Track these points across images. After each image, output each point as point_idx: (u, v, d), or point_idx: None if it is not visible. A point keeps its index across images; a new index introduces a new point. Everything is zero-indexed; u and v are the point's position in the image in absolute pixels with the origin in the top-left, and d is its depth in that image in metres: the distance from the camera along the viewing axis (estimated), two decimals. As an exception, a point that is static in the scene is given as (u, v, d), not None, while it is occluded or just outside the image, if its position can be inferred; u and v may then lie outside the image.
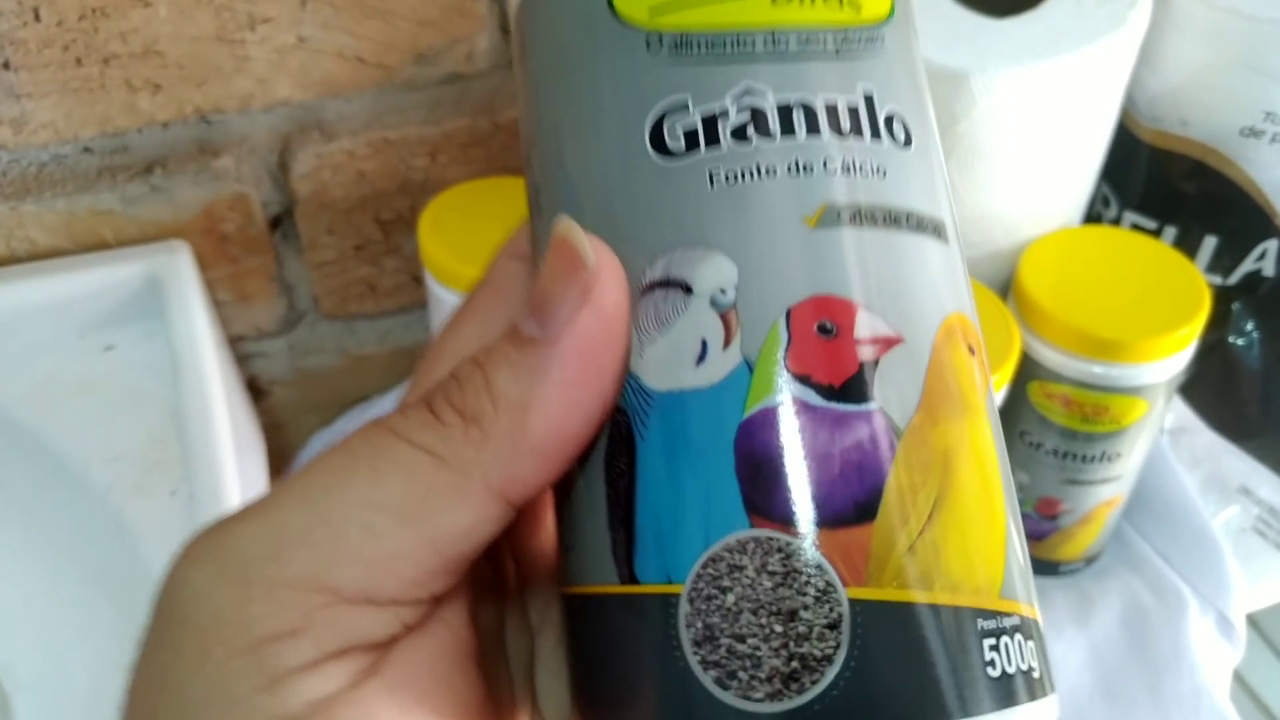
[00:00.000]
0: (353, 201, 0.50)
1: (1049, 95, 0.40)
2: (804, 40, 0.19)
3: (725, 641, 0.17)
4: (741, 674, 0.17)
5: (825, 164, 0.18)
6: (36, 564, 0.45)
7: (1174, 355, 0.42)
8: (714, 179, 0.18)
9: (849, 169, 0.18)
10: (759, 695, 0.16)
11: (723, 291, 0.18)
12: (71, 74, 0.43)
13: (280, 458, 0.55)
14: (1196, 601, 0.49)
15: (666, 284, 0.18)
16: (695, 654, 0.17)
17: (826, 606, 0.16)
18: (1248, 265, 0.47)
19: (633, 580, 0.18)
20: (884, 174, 0.18)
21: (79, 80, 0.43)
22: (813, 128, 0.18)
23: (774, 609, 0.17)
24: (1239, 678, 0.56)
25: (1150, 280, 0.43)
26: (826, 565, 0.17)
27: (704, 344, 0.18)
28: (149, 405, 0.45)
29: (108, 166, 0.46)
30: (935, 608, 0.17)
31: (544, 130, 0.20)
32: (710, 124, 0.18)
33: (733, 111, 0.18)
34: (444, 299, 0.44)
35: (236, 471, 0.41)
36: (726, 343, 0.18)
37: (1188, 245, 0.48)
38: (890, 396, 0.17)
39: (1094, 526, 0.48)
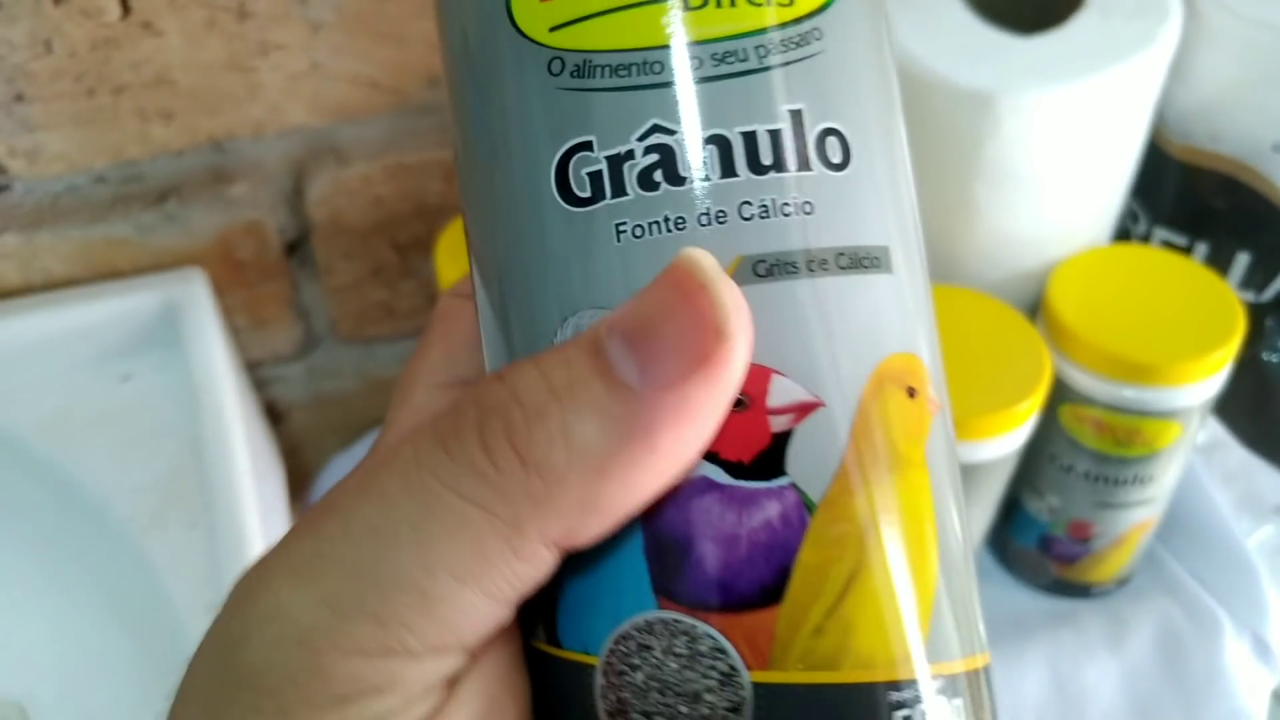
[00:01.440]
0: (369, 226, 0.49)
1: (1078, 115, 0.39)
2: (721, 57, 0.17)
3: (635, 717, 0.17)
4: None
5: (741, 210, 0.16)
6: (58, 594, 0.44)
7: (1209, 378, 0.41)
8: (620, 232, 0.16)
9: (767, 212, 0.17)
10: None
11: None
12: (84, 105, 0.43)
13: (299, 481, 0.55)
14: (1231, 624, 0.48)
15: None
16: None
17: (729, 690, 0.16)
18: (1281, 280, 0.46)
19: (558, 644, 0.17)
20: (810, 209, 0.17)
21: (91, 111, 0.43)
22: (727, 168, 0.16)
23: (679, 690, 0.16)
24: None
25: (1182, 300, 0.42)
26: (729, 650, 0.16)
27: None
28: (167, 436, 0.45)
29: (122, 196, 0.46)
30: (840, 687, 0.16)
31: (461, 150, 0.18)
32: (616, 168, 0.16)
33: (639, 153, 0.16)
34: (462, 325, 0.44)
35: (256, 503, 0.41)
36: None
37: (1219, 262, 0.47)
38: (805, 469, 0.16)
39: (1126, 549, 0.47)
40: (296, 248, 0.50)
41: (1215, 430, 0.53)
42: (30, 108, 0.42)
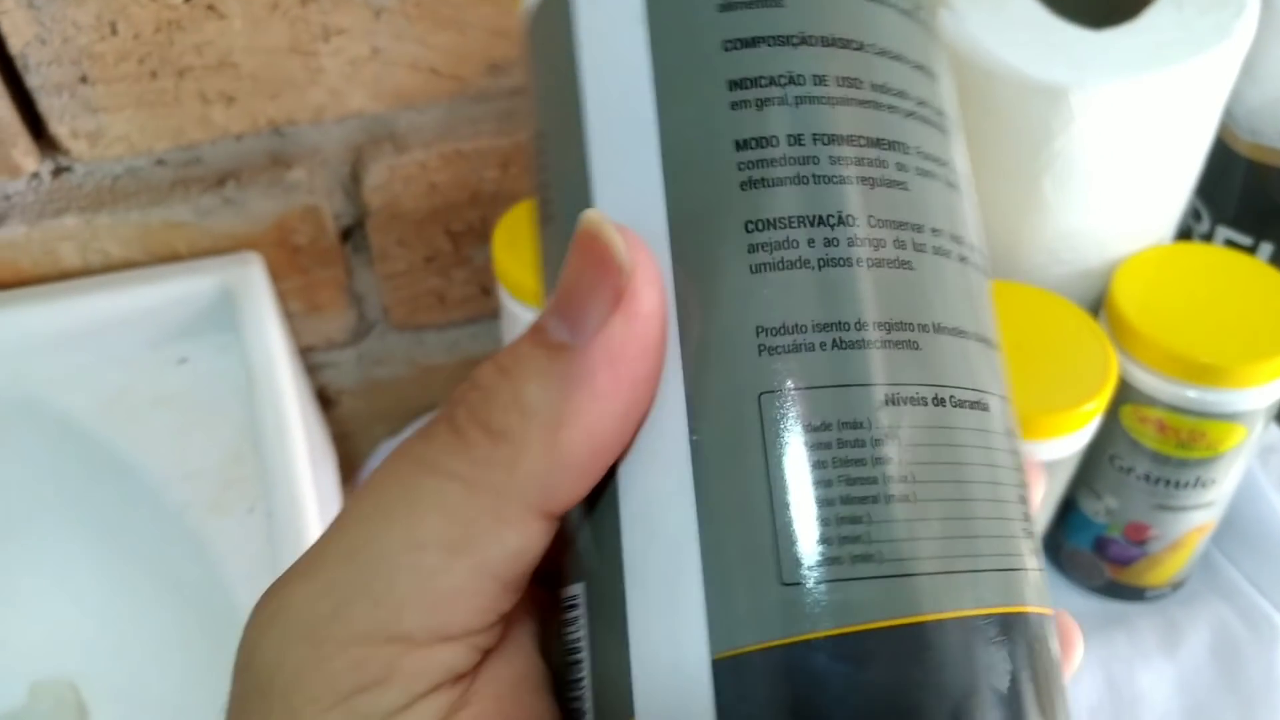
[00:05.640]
0: (424, 213, 0.49)
1: (1150, 110, 0.39)
2: None
3: None
4: None
5: None
6: (115, 579, 0.45)
7: (1275, 380, 0.40)
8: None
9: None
10: None
11: None
12: (146, 87, 0.43)
13: (348, 467, 0.55)
14: (1289, 630, 0.47)
15: None
16: None
17: None
18: (1348, 282, 0.45)
19: None
20: None
21: (154, 93, 0.43)
22: None
23: None
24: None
25: (1249, 300, 0.41)
26: None
27: None
28: (224, 419, 0.45)
29: (181, 179, 0.46)
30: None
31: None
32: None
33: None
34: (517, 314, 0.44)
35: (313, 487, 0.41)
36: None
37: (1285, 262, 0.47)
38: None
39: (1183, 552, 0.46)
40: (351, 234, 0.50)
41: (1272, 433, 0.52)
42: (94, 89, 0.42)
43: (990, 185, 0.41)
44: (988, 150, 0.40)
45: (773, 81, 0.17)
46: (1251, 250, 0.47)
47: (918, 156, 0.18)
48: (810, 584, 0.15)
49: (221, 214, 0.47)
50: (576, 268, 0.17)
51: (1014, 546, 0.17)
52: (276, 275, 0.49)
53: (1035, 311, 0.41)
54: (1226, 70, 0.40)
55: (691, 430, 0.16)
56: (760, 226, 0.17)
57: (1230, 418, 0.41)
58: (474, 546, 0.16)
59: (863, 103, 0.17)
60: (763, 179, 0.17)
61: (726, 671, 0.15)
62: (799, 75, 0.17)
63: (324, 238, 0.49)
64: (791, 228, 0.16)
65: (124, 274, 0.47)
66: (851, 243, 0.17)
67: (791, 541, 0.15)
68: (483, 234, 0.51)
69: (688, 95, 0.17)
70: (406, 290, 0.52)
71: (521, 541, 0.17)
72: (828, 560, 0.15)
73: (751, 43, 0.17)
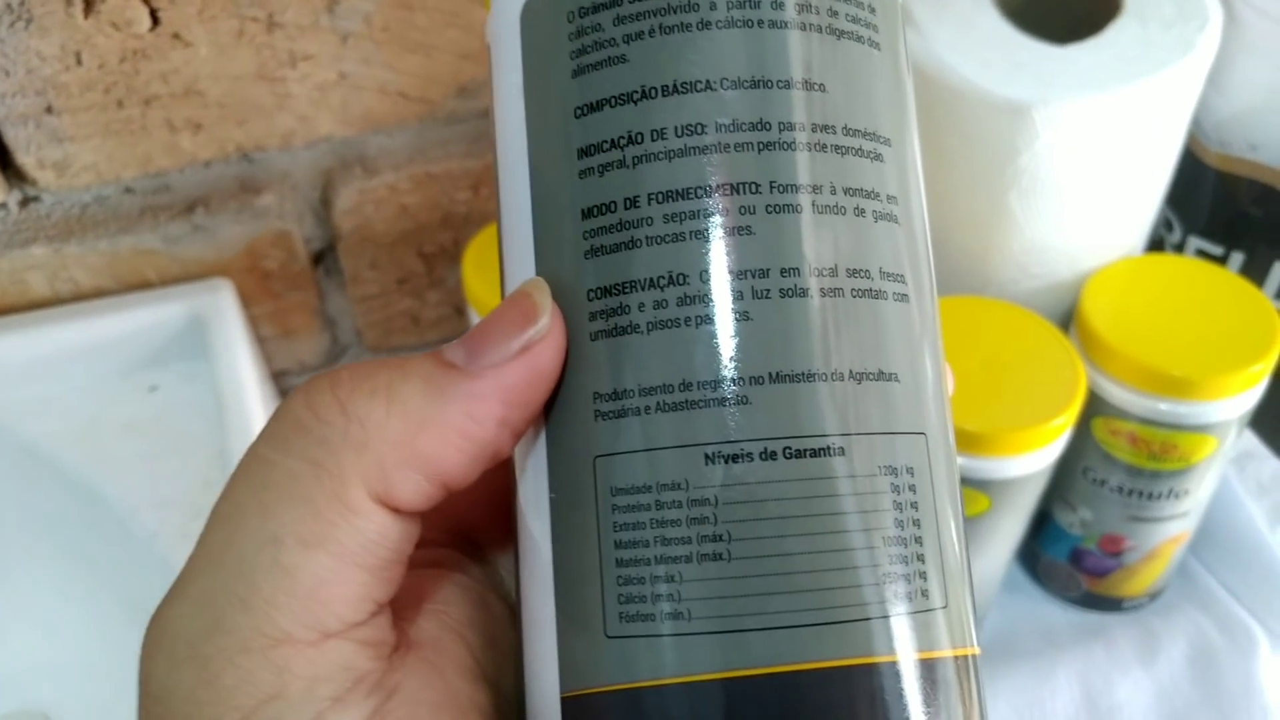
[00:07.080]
0: (395, 235, 0.49)
1: (1114, 125, 0.39)
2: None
3: None
4: None
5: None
6: (85, 607, 0.44)
7: (1246, 391, 0.40)
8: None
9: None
10: None
11: None
12: (113, 116, 0.42)
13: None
14: (1267, 639, 0.47)
15: None
16: None
17: None
18: (1318, 290, 0.46)
19: None
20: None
21: (120, 122, 0.43)
22: None
23: None
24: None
25: (1219, 312, 0.42)
26: None
27: None
28: (194, 447, 0.44)
29: (150, 206, 0.46)
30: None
31: None
32: None
33: None
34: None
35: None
36: None
37: (1255, 271, 0.47)
38: None
39: (1160, 563, 0.46)
40: (323, 257, 0.50)
41: (1248, 440, 0.52)
42: (60, 119, 0.42)
43: (957, 201, 0.41)
44: (954, 166, 0.40)
45: (614, 144, 0.17)
46: (1223, 260, 0.47)
47: (773, 192, 0.17)
48: (628, 638, 0.16)
49: (191, 241, 0.47)
50: (499, 312, 0.17)
51: (867, 595, 0.16)
52: (248, 300, 0.48)
53: (1004, 326, 0.41)
54: (1191, 84, 0.40)
55: (550, 488, 0.17)
56: (598, 294, 0.17)
57: (1202, 429, 0.41)
58: (328, 537, 0.16)
59: (703, 149, 0.17)
60: (601, 246, 0.17)
61: (571, 709, 0.17)
62: (637, 134, 0.17)
63: (295, 262, 0.48)
64: (624, 293, 0.17)
65: (93, 303, 0.47)
66: (682, 301, 0.16)
67: (612, 599, 0.16)
68: (455, 255, 0.51)
69: (548, 165, 0.18)
70: (380, 312, 0.52)
71: (376, 528, 0.16)
72: (641, 617, 0.16)
73: (597, 106, 0.17)
